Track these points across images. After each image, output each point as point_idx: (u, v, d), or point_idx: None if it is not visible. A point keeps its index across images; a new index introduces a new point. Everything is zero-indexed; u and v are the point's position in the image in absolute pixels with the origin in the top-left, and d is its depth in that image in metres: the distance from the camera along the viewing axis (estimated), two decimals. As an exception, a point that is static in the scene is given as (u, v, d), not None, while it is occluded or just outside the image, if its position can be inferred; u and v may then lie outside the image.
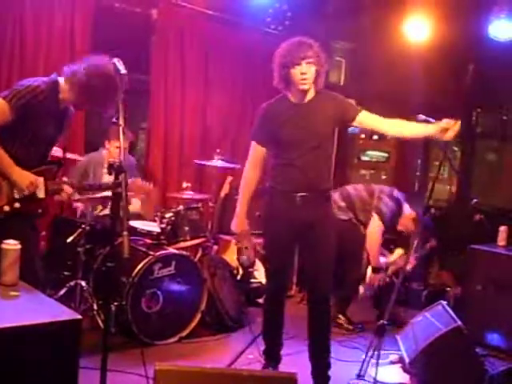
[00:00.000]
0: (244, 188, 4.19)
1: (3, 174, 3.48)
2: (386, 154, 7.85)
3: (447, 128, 3.80)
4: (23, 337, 2.33)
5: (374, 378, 4.22)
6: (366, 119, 4.08)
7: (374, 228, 5.56)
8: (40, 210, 3.70)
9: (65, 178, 3.95)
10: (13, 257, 2.79)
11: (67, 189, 3.87)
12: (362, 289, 5.84)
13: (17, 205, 3.54)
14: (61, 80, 3.66)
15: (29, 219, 3.66)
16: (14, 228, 3.41)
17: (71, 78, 3.60)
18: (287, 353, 4.50)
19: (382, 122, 4.06)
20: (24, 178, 3.52)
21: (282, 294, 4.39)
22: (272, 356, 4.32)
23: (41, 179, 3.61)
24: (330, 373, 4.16)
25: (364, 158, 8.02)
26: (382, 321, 4.21)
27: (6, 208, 3.50)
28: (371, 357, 4.28)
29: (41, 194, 3.62)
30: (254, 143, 4.16)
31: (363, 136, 7.85)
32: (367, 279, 5.74)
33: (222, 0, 6.86)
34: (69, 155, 4.72)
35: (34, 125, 3.52)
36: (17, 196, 3.53)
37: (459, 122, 3.80)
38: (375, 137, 7.74)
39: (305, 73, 3.92)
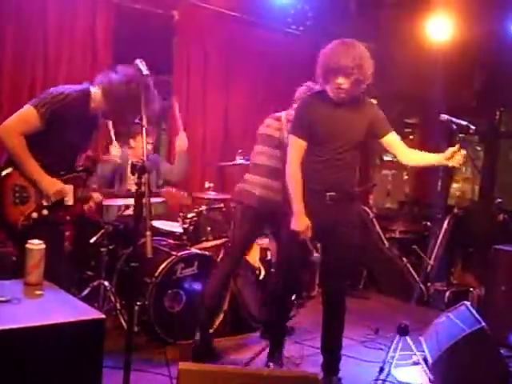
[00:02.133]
0: (297, 186, 3.98)
1: (32, 181, 3.52)
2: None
3: (453, 155, 3.72)
4: (48, 335, 2.35)
5: (397, 379, 4.21)
6: (393, 142, 4.08)
7: None
8: (68, 218, 3.74)
9: (94, 186, 3.99)
10: (38, 256, 2.82)
11: (96, 196, 3.90)
12: None
13: (45, 212, 3.57)
14: (93, 89, 3.69)
15: (57, 226, 3.70)
16: (42, 236, 3.41)
17: (107, 89, 3.65)
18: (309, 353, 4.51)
19: (402, 151, 4.08)
20: (52, 185, 3.55)
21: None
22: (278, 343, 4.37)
23: (70, 187, 3.66)
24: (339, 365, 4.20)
25: (386, 158, 8.01)
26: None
27: (34, 215, 3.54)
28: (393, 357, 4.29)
29: (70, 201, 3.66)
30: (294, 138, 4.03)
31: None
32: None
33: (243, 1, 6.88)
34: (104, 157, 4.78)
35: (62, 133, 3.55)
36: (45, 203, 3.56)
37: (463, 150, 3.71)
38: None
39: (341, 83, 3.85)
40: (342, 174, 4.02)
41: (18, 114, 3.52)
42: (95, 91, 3.69)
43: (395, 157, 4.18)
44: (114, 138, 5.16)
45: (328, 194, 3.97)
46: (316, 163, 4.00)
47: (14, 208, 3.49)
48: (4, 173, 3.50)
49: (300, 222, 3.90)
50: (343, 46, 3.90)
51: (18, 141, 3.45)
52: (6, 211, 3.49)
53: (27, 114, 3.50)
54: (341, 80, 3.83)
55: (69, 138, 3.60)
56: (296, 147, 4.01)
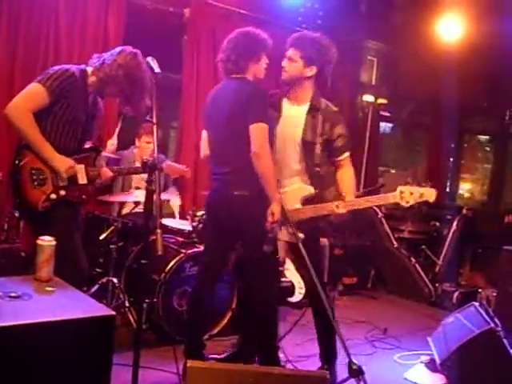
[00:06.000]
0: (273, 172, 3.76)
1: (43, 159, 3.59)
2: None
3: None
4: (57, 332, 2.36)
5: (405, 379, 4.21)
6: None
7: None
8: (84, 197, 3.82)
9: (103, 162, 4.07)
10: (48, 252, 2.83)
11: (107, 172, 3.96)
12: None
13: (62, 192, 3.66)
14: (88, 69, 3.81)
15: (75, 206, 3.80)
16: (62, 216, 3.62)
17: (99, 66, 3.78)
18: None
19: None
20: (63, 162, 3.63)
21: None
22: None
23: (81, 166, 3.74)
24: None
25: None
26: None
27: (53, 196, 3.63)
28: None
29: (83, 180, 3.76)
30: (266, 126, 3.85)
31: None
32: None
33: (253, -1, 6.88)
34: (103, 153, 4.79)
35: (68, 109, 3.64)
36: (61, 183, 3.65)
37: None
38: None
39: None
40: None
41: (24, 92, 3.59)
42: (89, 69, 3.81)
43: None
44: (117, 131, 5.24)
45: None
46: None
47: (33, 191, 3.58)
48: (18, 160, 3.59)
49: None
50: None
51: (27, 118, 3.52)
52: (27, 195, 3.58)
53: (34, 91, 3.58)
54: None
55: (74, 115, 3.68)
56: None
